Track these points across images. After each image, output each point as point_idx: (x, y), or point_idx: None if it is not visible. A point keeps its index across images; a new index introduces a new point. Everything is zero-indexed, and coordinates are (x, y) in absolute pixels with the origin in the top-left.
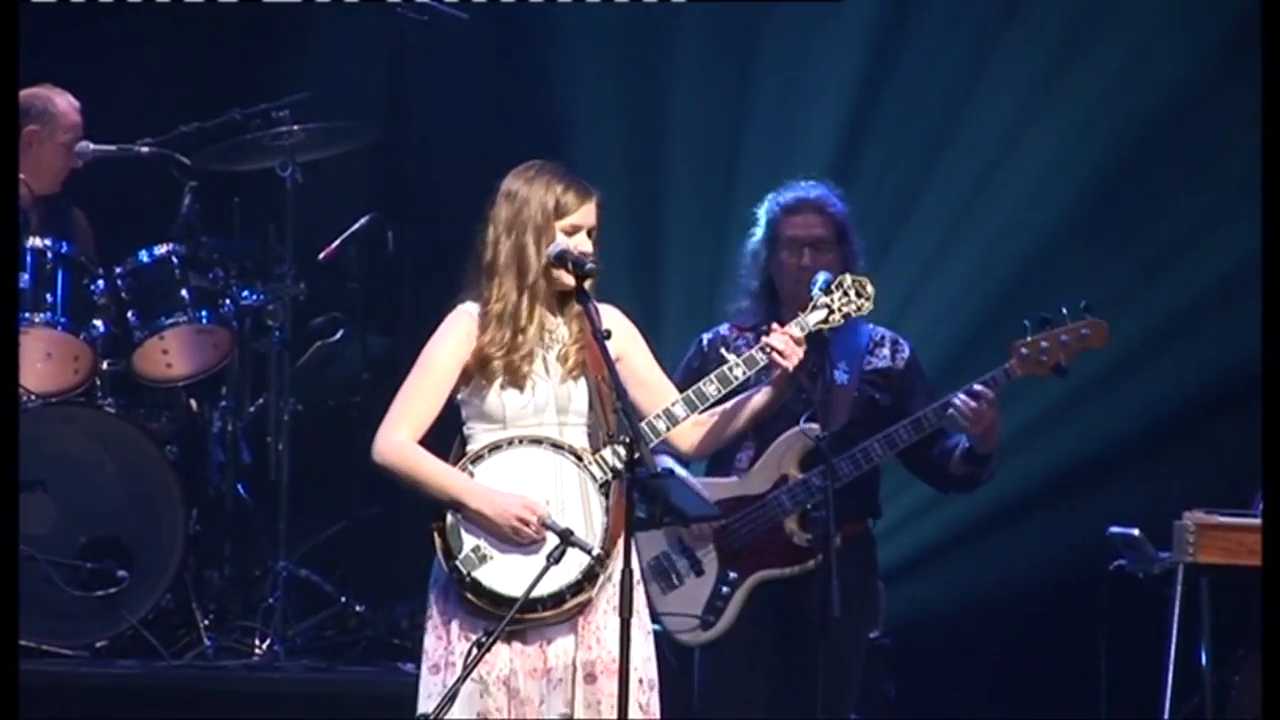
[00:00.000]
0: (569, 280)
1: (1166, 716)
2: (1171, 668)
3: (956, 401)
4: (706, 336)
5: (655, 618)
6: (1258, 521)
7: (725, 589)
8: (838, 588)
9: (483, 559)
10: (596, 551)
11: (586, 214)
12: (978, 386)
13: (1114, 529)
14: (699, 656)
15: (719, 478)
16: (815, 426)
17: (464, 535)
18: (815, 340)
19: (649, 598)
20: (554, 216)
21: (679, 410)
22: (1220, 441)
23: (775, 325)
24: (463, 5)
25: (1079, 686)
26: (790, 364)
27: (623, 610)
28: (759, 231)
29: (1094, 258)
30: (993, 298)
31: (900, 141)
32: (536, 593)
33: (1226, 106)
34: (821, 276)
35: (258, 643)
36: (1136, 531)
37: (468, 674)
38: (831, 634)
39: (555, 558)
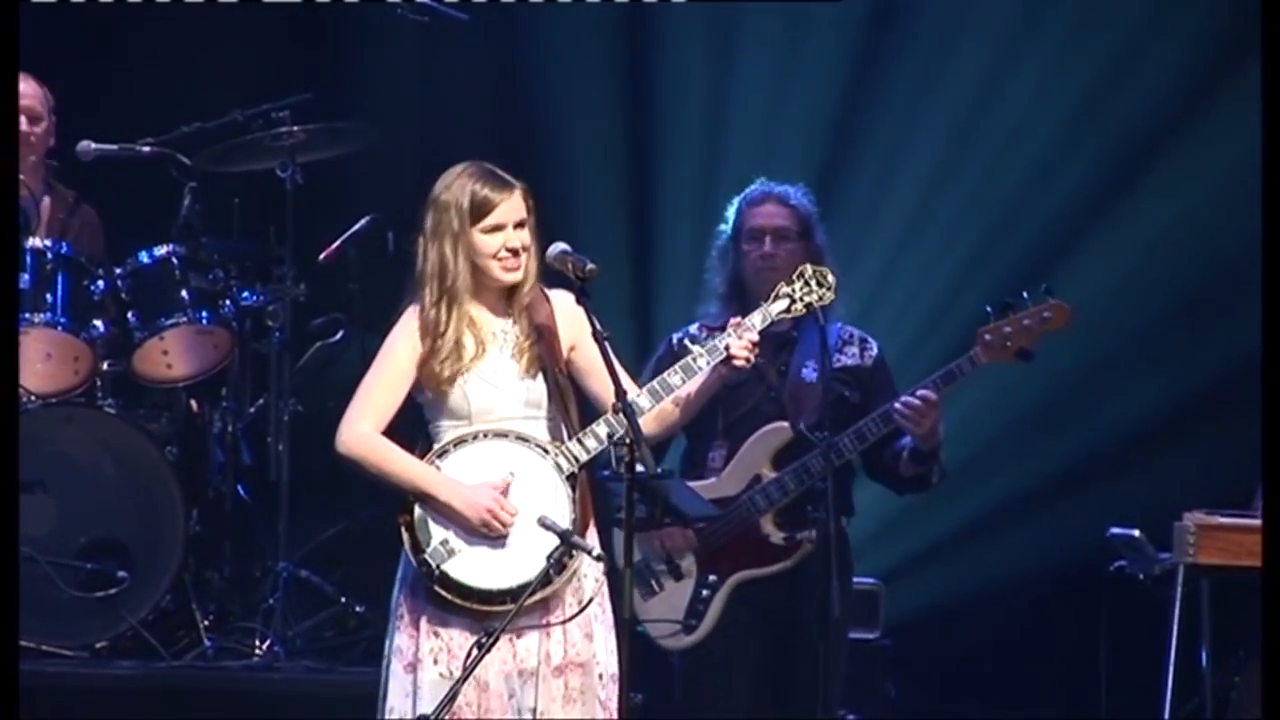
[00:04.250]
0: (501, 275)
1: (1166, 717)
2: (1172, 668)
3: (897, 405)
4: (676, 336)
5: (637, 624)
6: (1258, 522)
7: (705, 592)
8: (837, 587)
9: (451, 552)
10: (597, 552)
11: (508, 210)
12: (924, 389)
13: (1114, 530)
14: (678, 658)
15: (692, 480)
16: (785, 425)
17: (432, 528)
18: (784, 340)
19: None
20: (470, 219)
21: (644, 401)
22: (1220, 441)
23: (734, 320)
24: (463, 5)
25: (1079, 686)
26: (742, 363)
27: (625, 609)
28: (726, 228)
29: (1092, 256)
30: (985, 298)
31: (896, 141)
32: (502, 585)
33: (1226, 101)
34: (809, 265)
35: (258, 643)
36: (1137, 532)
37: (468, 674)
38: (803, 636)
39: (555, 559)
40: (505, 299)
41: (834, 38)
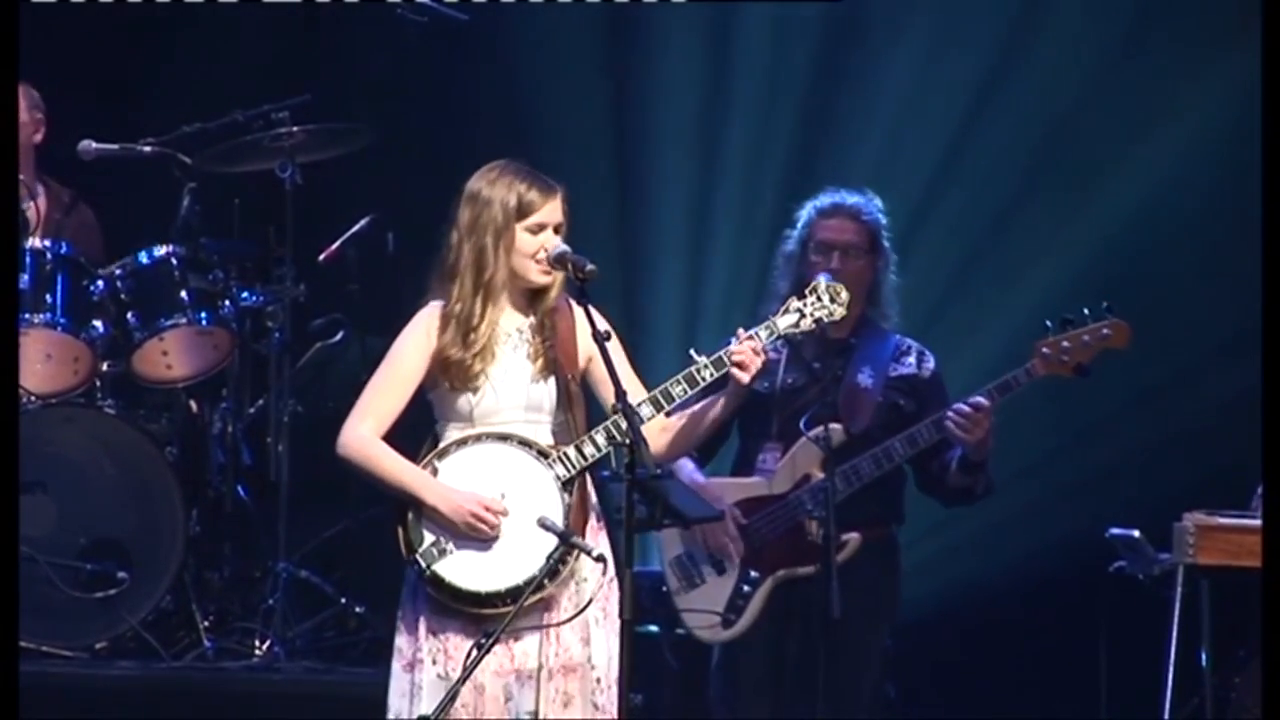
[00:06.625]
0: (537, 277)
1: (1166, 717)
2: (1172, 669)
3: (949, 412)
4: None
5: (675, 616)
6: (1258, 523)
7: (747, 587)
8: (837, 589)
9: (442, 553)
10: (597, 552)
11: (551, 211)
12: (977, 396)
13: (1114, 530)
14: (717, 653)
15: (742, 478)
16: (839, 427)
17: (424, 530)
18: (840, 346)
19: (670, 595)
20: (515, 216)
21: (645, 410)
22: (1220, 441)
23: (741, 331)
24: (463, 5)
25: (1079, 687)
26: (748, 376)
27: (623, 610)
28: (795, 234)
29: (1091, 256)
30: (984, 298)
31: (920, 145)
32: (494, 587)
33: (1225, 96)
34: (823, 279)
35: (258, 644)
36: (1136, 533)
37: (467, 675)
38: (840, 634)
39: (554, 558)
40: (528, 300)
41: (830, 38)
